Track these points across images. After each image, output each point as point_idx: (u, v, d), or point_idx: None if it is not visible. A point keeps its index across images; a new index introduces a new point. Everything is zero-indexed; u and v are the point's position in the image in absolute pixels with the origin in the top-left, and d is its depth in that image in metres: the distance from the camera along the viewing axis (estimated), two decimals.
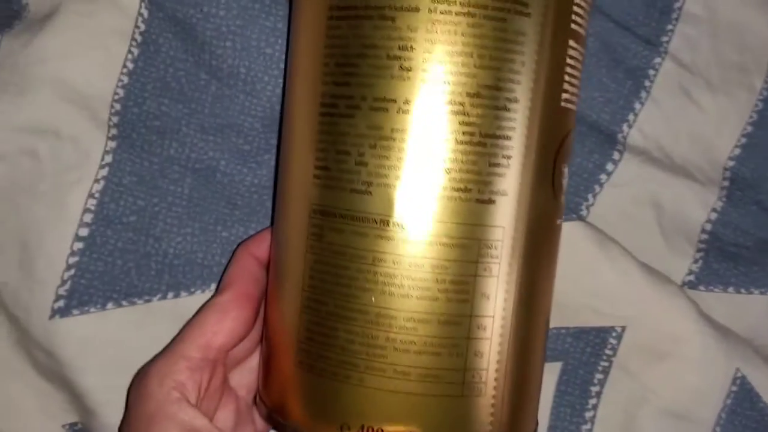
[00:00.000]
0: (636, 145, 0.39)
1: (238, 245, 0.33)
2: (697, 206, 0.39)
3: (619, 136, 0.39)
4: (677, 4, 0.39)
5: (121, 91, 0.34)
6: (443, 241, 0.26)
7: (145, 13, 0.34)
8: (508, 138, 0.26)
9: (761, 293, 0.39)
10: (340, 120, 0.26)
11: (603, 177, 0.38)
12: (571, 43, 0.27)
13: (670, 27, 0.39)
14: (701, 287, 0.38)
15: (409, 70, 0.25)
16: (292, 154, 0.28)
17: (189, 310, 0.34)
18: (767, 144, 0.40)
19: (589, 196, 0.38)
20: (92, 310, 0.34)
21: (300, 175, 0.28)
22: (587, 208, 0.39)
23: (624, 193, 0.38)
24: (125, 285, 0.34)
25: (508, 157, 0.26)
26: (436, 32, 0.25)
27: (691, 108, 0.39)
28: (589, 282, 0.37)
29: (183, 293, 0.35)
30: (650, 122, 0.39)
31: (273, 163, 0.36)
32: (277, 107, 0.36)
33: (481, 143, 0.26)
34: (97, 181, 0.34)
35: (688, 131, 0.39)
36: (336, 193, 0.26)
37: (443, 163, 0.25)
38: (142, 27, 0.34)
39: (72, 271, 0.33)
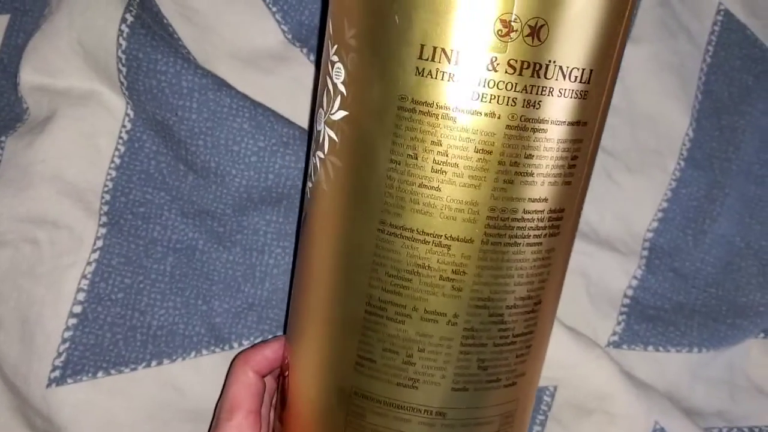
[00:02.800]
0: None
1: (234, 358, 0.36)
2: (620, 274, 0.44)
3: None
4: None
5: (110, 184, 0.39)
6: (475, 422, 0.29)
7: (131, 113, 0.39)
8: (532, 332, 0.30)
9: (677, 351, 0.44)
10: (389, 323, 0.28)
11: None
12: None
13: None
14: (624, 346, 0.44)
15: (459, 290, 0.28)
16: (326, 340, 0.30)
17: (170, 376, 0.39)
18: (681, 217, 0.45)
19: None
20: (84, 378, 0.38)
21: (337, 359, 0.30)
22: None
23: None
24: (114, 355, 0.38)
25: (529, 346, 0.30)
26: (486, 260, 0.27)
27: (613, 188, 0.45)
28: None
29: (165, 361, 0.39)
30: None
31: (245, 241, 0.41)
32: (245, 195, 0.41)
33: (512, 342, 0.29)
34: (89, 263, 0.38)
35: (611, 209, 0.45)
36: (381, 384, 0.29)
37: (482, 363, 0.29)
38: (128, 126, 0.39)
39: (67, 344, 0.38)
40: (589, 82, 0.27)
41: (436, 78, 0.26)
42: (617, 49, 0.28)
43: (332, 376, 0.30)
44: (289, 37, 0.42)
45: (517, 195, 0.27)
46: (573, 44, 0.26)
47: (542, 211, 0.28)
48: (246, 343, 0.40)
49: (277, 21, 0.42)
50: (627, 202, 0.45)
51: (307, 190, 0.33)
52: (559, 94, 0.26)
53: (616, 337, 0.44)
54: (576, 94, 0.27)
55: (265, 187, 0.40)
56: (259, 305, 0.40)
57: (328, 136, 0.29)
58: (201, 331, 0.40)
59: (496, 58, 0.25)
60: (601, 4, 0.26)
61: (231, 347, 0.40)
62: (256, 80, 0.42)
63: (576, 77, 0.26)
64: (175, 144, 0.39)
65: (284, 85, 0.42)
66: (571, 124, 0.27)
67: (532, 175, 0.27)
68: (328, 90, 0.29)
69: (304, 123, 0.42)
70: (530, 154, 0.27)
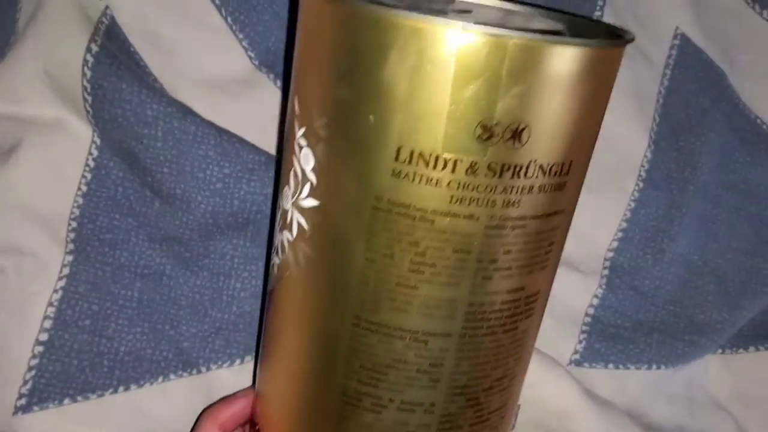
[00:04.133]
0: None
1: (203, 412, 0.37)
2: (581, 293, 0.45)
3: None
4: None
5: (77, 211, 0.39)
6: None
7: (98, 141, 0.39)
8: (506, 405, 0.31)
9: (637, 369, 0.45)
10: (365, 413, 0.28)
11: None
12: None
13: None
14: (585, 364, 0.45)
15: (437, 381, 0.28)
16: (301, 422, 0.30)
17: (138, 401, 0.39)
18: (640, 237, 0.46)
19: None
20: (51, 406, 0.38)
21: None
22: None
23: None
24: (80, 382, 0.39)
25: (503, 417, 0.31)
26: (464, 351, 0.27)
27: None
28: None
29: (133, 386, 0.39)
30: None
31: (212, 266, 0.41)
32: (211, 221, 0.41)
33: (487, 419, 0.30)
34: (56, 291, 0.38)
35: (572, 229, 0.46)
36: None
37: None
38: (95, 154, 0.39)
39: (33, 372, 0.38)
40: (568, 174, 0.26)
41: (413, 181, 0.24)
42: (595, 137, 0.28)
43: None
44: (256, 63, 0.43)
45: (495, 289, 0.27)
46: (554, 143, 0.25)
47: (519, 300, 0.28)
48: (214, 367, 0.41)
49: (244, 47, 0.42)
50: (587, 222, 0.46)
51: (273, 265, 0.32)
52: (539, 191, 0.26)
53: (577, 356, 0.45)
54: (555, 187, 0.26)
55: (231, 213, 0.41)
56: (227, 329, 0.41)
57: (297, 222, 0.28)
58: (169, 356, 0.40)
59: (476, 162, 0.24)
60: (583, 100, 0.25)
61: (199, 371, 0.41)
62: (223, 106, 0.42)
63: (556, 172, 0.26)
64: (142, 171, 0.40)
65: (251, 111, 0.43)
66: (549, 215, 0.27)
67: (510, 269, 0.27)
68: (296, 173, 0.28)
69: (271, 149, 0.43)
70: (509, 250, 0.26)
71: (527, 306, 0.28)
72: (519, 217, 0.26)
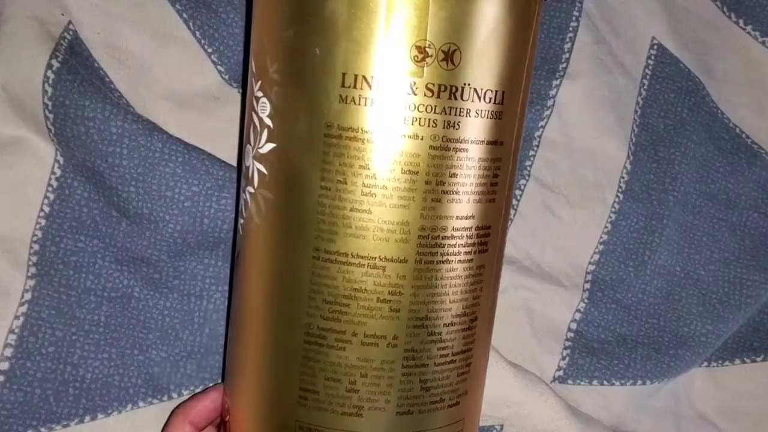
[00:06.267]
0: (508, 255, 0.44)
1: (173, 411, 0.36)
2: (564, 308, 0.44)
3: None
4: (537, 133, 0.45)
5: (39, 233, 0.38)
6: None
7: (61, 160, 0.38)
8: (470, 350, 0.31)
9: (621, 385, 0.44)
10: (330, 351, 0.29)
11: None
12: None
13: (532, 153, 0.45)
14: (569, 381, 0.44)
15: (397, 311, 0.28)
16: (266, 376, 0.30)
17: (106, 431, 0.37)
18: (621, 249, 0.46)
19: None
20: None
21: (279, 395, 0.30)
22: None
23: (500, 299, 0.43)
24: (44, 412, 0.37)
25: (469, 364, 0.31)
26: (421, 278, 0.28)
27: (553, 221, 0.45)
28: None
29: (100, 415, 0.38)
30: (520, 236, 0.45)
31: (182, 287, 0.40)
32: (180, 241, 0.40)
33: (452, 360, 0.30)
34: (17, 317, 0.37)
35: (553, 243, 0.45)
36: (326, 415, 0.29)
37: (424, 384, 0.29)
38: (58, 173, 0.38)
39: None
40: (502, 104, 0.29)
41: (359, 104, 0.27)
42: (525, 74, 0.30)
43: (275, 413, 0.30)
44: (226, 77, 0.42)
45: (445, 213, 0.28)
46: (484, 68, 0.28)
47: (470, 228, 0.29)
48: (186, 393, 0.39)
49: (213, 62, 0.41)
50: (568, 235, 0.45)
51: (239, 227, 0.32)
52: (476, 115, 0.28)
53: (561, 372, 0.44)
54: (491, 114, 0.28)
55: (201, 232, 0.40)
56: (199, 352, 0.39)
57: (257, 170, 0.30)
58: (138, 382, 0.38)
59: (414, 82, 0.27)
60: (506, 32, 0.28)
61: (170, 398, 0.39)
62: (193, 122, 0.41)
63: (490, 98, 0.28)
64: (107, 190, 0.38)
65: (221, 127, 0.42)
66: (489, 143, 0.29)
67: (457, 193, 0.28)
68: (255, 125, 0.30)
69: None
70: (454, 173, 0.28)
71: (480, 239, 0.29)
72: (460, 139, 0.28)
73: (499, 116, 0.29)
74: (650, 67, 0.48)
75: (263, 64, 0.29)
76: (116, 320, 0.38)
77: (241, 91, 0.42)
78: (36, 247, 0.38)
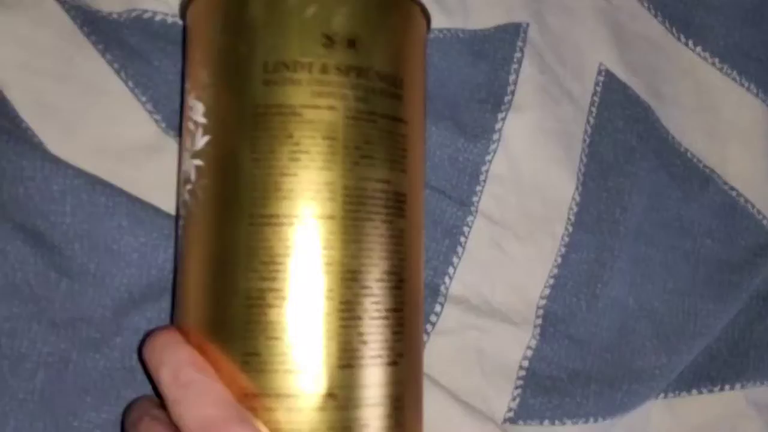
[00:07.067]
0: (457, 295, 0.44)
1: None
2: (515, 346, 0.44)
3: (442, 288, 0.44)
4: (484, 167, 0.45)
5: None
6: (366, 402, 0.31)
7: None
8: (402, 310, 0.33)
9: (573, 423, 0.44)
10: (269, 310, 0.30)
11: (428, 327, 0.43)
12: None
13: (479, 188, 0.45)
14: (520, 422, 0.43)
15: (330, 264, 0.31)
16: (209, 349, 0.32)
17: None
18: (573, 283, 0.45)
19: None
20: None
21: (222, 364, 0.31)
22: None
23: (448, 340, 0.43)
24: None
25: (402, 325, 0.33)
26: (349, 233, 0.31)
27: (502, 258, 0.45)
28: None
29: None
30: (469, 273, 0.44)
31: (124, 344, 0.39)
32: (126, 295, 0.39)
33: (386, 317, 0.32)
34: None
35: (502, 279, 0.45)
36: (269, 375, 0.30)
37: (361, 336, 0.31)
38: None
39: None
40: (402, 89, 0.34)
41: (281, 85, 0.32)
42: (419, 69, 0.35)
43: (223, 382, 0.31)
44: (163, 126, 0.41)
45: (364, 175, 0.32)
46: (383, 56, 0.33)
47: (388, 192, 0.32)
48: None
49: (149, 111, 0.41)
50: (518, 270, 0.45)
51: (179, 229, 0.35)
52: (381, 93, 0.33)
53: (511, 414, 0.43)
54: (393, 95, 0.33)
55: (147, 284, 0.39)
56: None
57: (195, 165, 0.33)
58: None
59: (325, 63, 0.32)
60: (399, 28, 0.34)
61: None
62: (131, 174, 0.40)
63: (391, 82, 0.33)
64: (47, 251, 0.38)
65: (162, 176, 0.41)
66: (395, 119, 0.33)
67: (372, 157, 0.32)
68: (190, 130, 0.34)
69: None
70: (368, 140, 0.32)
71: (398, 203, 0.33)
72: (369, 111, 0.32)
73: (400, 98, 0.33)
74: (598, 95, 0.47)
75: (196, 76, 0.34)
76: (53, 386, 0.38)
77: (179, 139, 0.41)
78: None
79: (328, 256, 0.31)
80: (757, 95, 0.50)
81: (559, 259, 0.45)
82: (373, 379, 0.31)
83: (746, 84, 0.50)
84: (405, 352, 0.33)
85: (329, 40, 0.32)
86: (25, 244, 0.38)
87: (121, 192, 0.39)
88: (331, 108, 0.31)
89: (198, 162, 0.33)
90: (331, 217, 0.31)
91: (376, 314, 0.32)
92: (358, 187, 0.31)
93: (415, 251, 0.34)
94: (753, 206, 0.49)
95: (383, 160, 0.32)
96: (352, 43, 0.32)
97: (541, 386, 0.44)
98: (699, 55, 0.49)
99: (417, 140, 0.35)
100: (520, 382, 0.44)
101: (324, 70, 0.31)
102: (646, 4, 0.50)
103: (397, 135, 0.33)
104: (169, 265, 0.39)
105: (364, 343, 0.31)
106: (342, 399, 0.31)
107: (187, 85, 0.35)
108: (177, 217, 0.37)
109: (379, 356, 0.32)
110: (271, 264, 0.30)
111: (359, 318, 0.31)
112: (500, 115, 0.45)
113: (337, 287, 0.31)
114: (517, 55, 0.46)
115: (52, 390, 0.38)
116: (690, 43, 0.49)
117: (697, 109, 0.49)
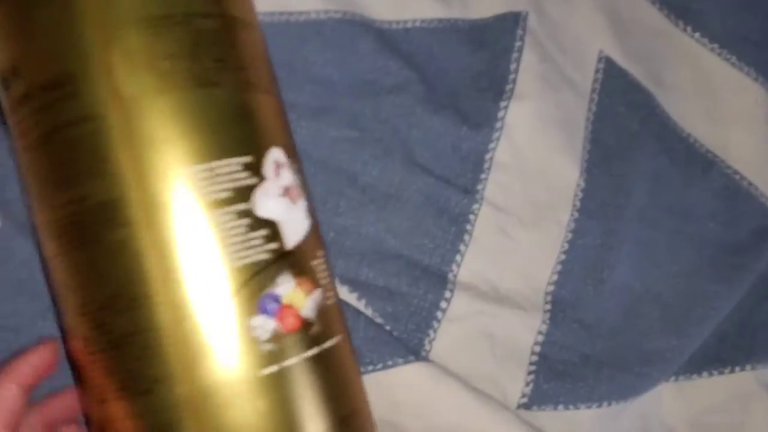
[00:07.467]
0: (465, 281, 0.44)
1: None
2: (525, 331, 0.44)
3: (450, 275, 0.43)
4: (488, 156, 0.45)
5: None
6: None
7: None
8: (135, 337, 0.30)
9: (587, 408, 0.43)
10: None
11: (439, 314, 0.43)
12: None
13: (483, 176, 0.45)
14: (534, 407, 0.43)
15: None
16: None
17: None
18: (580, 268, 0.45)
19: (431, 331, 0.43)
20: None
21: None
22: (430, 342, 0.43)
23: (459, 327, 0.43)
24: None
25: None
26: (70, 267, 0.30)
27: (509, 244, 0.45)
28: (430, 419, 0.40)
29: None
30: (476, 260, 0.44)
31: None
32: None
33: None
34: None
35: (510, 265, 0.45)
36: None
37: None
38: None
39: None
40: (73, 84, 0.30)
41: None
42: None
43: None
44: None
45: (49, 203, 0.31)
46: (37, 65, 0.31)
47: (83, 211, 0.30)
48: None
49: None
50: (525, 257, 0.45)
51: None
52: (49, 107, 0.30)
53: (525, 399, 0.43)
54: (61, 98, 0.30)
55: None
56: None
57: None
58: None
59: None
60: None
61: None
62: None
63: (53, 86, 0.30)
64: None
65: None
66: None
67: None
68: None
69: None
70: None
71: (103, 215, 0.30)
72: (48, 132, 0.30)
73: (72, 96, 0.30)
74: (599, 82, 0.48)
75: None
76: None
77: None
78: None
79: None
80: (756, 79, 0.50)
81: (566, 245, 0.45)
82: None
83: (745, 68, 0.50)
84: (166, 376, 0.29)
85: (5, 81, 0.31)
86: (31, 242, 0.38)
87: None
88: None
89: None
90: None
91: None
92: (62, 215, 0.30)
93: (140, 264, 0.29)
94: (756, 188, 0.49)
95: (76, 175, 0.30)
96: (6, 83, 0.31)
97: (554, 371, 0.43)
98: (697, 40, 0.49)
99: (126, 137, 0.29)
100: (533, 368, 0.43)
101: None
102: None
103: (86, 138, 0.29)
104: None
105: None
106: None
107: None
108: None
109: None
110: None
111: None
112: (502, 104, 0.45)
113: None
114: (518, 43, 0.46)
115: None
116: (688, 29, 0.49)
117: (698, 93, 0.49)
